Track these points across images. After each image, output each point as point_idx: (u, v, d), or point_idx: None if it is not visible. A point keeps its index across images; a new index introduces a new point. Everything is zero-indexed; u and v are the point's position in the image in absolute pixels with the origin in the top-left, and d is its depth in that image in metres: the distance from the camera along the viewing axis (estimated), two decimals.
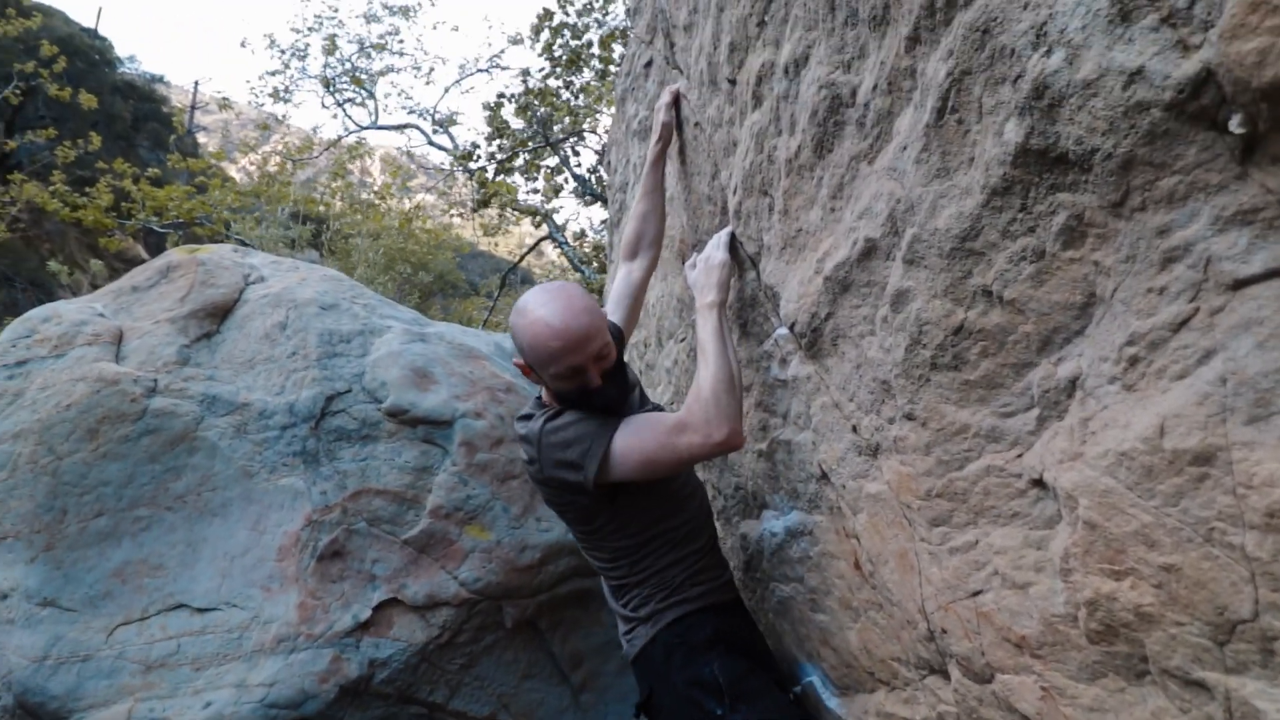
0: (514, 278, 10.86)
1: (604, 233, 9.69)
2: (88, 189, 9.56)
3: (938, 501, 0.99)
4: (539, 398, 1.46)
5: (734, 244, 1.40)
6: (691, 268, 1.46)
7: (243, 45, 23.50)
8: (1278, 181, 0.56)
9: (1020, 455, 0.86)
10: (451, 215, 11.51)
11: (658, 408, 1.55)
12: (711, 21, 1.36)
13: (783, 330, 1.28)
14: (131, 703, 2.26)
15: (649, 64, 2.08)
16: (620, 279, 1.66)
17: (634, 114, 2.25)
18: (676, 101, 1.62)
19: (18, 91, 11.08)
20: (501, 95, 8.06)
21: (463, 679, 2.58)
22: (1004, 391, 0.86)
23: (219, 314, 2.75)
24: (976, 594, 0.95)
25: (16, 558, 2.42)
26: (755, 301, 1.39)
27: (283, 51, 9.46)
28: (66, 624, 2.36)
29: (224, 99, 10.40)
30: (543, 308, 1.29)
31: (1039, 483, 0.84)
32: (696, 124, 1.56)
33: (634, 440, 1.31)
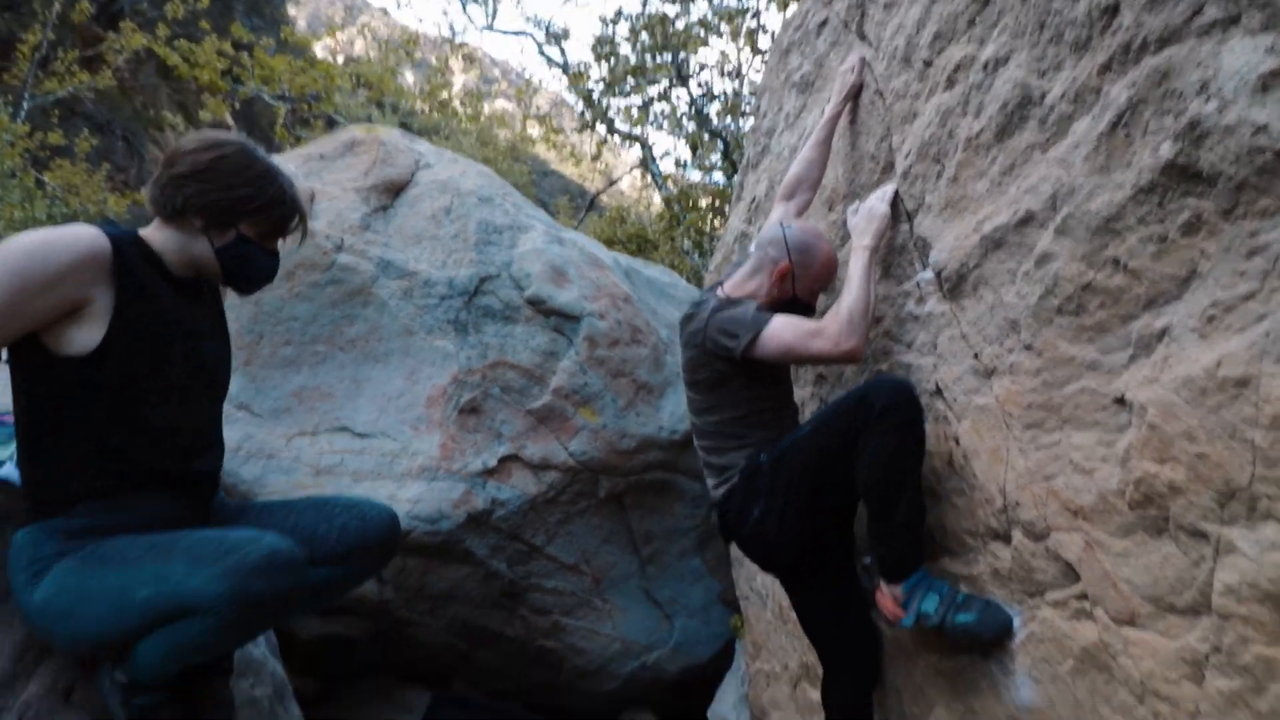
0: (583, 202, 11.21)
1: (689, 170, 9.87)
2: (195, 45, 9.96)
3: (1035, 411, 1.34)
4: (716, 292, 1.89)
5: (895, 200, 1.73)
6: (853, 213, 1.80)
7: None
8: None
9: (1110, 381, 1.21)
10: (535, 127, 11.72)
11: None
12: (919, 8, 1.65)
13: (927, 274, 1.63)
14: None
15: (824, 23, 2.34)
16: (774, 219, 2.00)
17: (796, 66, 2.51)
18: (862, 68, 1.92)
19: None
20: (618, 13, 8.17)
21: (558, 531, 3.07)
22: (1110, 335, 1.20)
23: (394, 191, 3.16)
24: (1050, 478, 1.32)
25: None
26: (904, 249, 1.73)
27: None
28: (255, 427, 2.88)
29: None
30: (829, 245, 1.88)
31: (1120, 400, 1.19)
32: (877, 91, 1.86)
33: (781, 331, 1.69)
